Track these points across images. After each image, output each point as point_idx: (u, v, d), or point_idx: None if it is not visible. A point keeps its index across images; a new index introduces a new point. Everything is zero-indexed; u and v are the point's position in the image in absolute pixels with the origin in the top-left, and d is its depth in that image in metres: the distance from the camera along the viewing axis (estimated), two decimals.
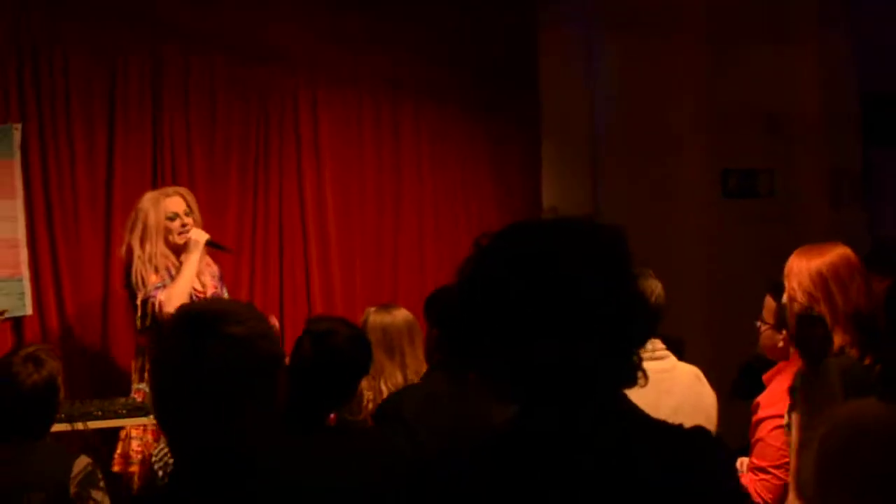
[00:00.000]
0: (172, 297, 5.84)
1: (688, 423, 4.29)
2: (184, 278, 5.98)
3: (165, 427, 2.43)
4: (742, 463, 4.59)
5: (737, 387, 7.34)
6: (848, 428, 2.62)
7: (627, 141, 8.58)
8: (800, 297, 3.81)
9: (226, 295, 6.37)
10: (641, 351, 4.51)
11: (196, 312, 2.44)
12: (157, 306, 5.87)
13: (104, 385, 6.57)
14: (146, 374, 5.91)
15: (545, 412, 2.00)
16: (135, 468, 5.85)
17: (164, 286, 5.94)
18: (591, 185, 8.67)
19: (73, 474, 3.95)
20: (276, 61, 7.52)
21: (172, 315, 2.45)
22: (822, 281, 3.78)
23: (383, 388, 4.99)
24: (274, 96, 7.51)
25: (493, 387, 2.06)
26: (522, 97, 8.47)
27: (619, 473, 1.95)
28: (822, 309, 3.76)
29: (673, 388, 4.41)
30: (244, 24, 7.40)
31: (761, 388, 4.65)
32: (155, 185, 7.01)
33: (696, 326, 6.87)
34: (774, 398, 4.30)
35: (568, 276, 1.97)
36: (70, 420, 5.29)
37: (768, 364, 4.84)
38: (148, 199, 6.14)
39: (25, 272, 6.64)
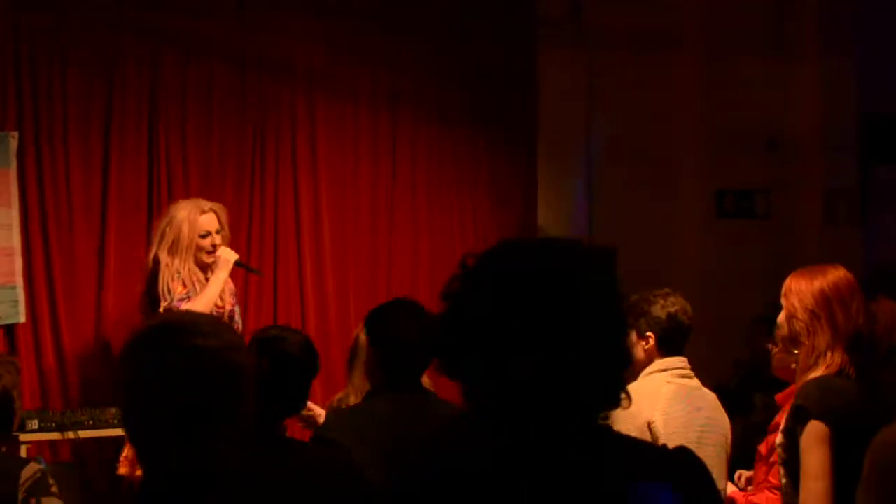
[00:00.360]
0: (197, 310, 5.76)
1: (714, 441, 4.38)
2: (209, 294, 6.01)
3: (133, 440, 2.39)
4: (741, 476, 4.62)
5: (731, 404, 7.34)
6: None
7: (624, 159, 8.60)
8: (801, 314, 3.79)
9: (238, 313, 6.39)
10: (674, 369, 4.57)
11: (161, 325, 2.39)
12: None
13: (97, 393, 6.55)
14: None
15: (518, 429, 1.99)
16: (140, 472, 5.83)
17: (189, 298, 5.95)
18: (587, 202, 8.67)
19: (20, 482, 3.91)
20: (274, 73, 7.52)
21: (138, 327, 2.41)
22: (824, 300, 3.77)
23: None
24: (271, 107, 7.51)
25: (475, 404, 2.04)
26: (520, 113, 8.48)
27: (592, 492, 1.95)
28: (824, 328, 3.75)
29: (703, 405, 4.55)
30: (243, 35, 7.41)
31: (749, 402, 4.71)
32: (150, 195, 7.03)
33: (689, 346, 6.83)
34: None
35: (549, 295, 1.97)
36: (61, 429, 5.27)
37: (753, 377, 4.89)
38: (183, 210, 6.13)
39: (19, 280, 6.63)
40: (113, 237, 6.90)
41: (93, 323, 6.90)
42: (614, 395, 2.04)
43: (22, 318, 6.65)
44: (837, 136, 8.84)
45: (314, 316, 7.53)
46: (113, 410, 5.80)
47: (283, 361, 3.76)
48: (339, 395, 5.36)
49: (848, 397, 3.66)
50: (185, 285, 6.00)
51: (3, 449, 4.17)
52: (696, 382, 4.64)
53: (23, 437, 5.64)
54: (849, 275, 3.84)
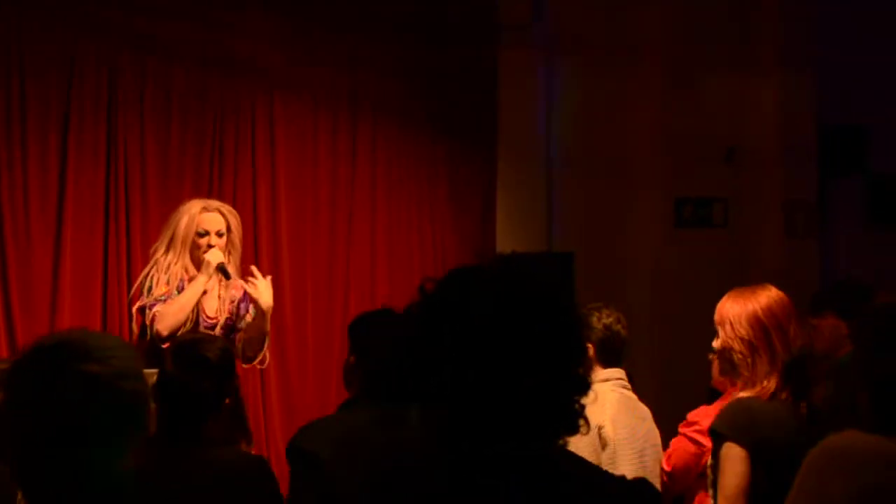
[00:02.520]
0: (167, 315, 5.70)
1: (653, 454, 4.41)
2: (184, 299, 5.75)
3: (14, 469, 2.24)
4: None
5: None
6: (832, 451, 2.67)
7: (583, 166, 8.61)
8: (738, 346, 3.79)
9: (250, 316, 6.06)
10: (615, 379, 4.62)
11: (52, 346, 2.24)
12: (151, 318, 5.69)
13: None
14: None
15: (472, 454, 2.00)
16: None
17: (166, 300, 5.75)
18: (546, 208, 8.67)
19: (18, 499, 3.85)
20: (233, 74, 7.49)
21: (28, 346, 2.27)
22: (761, 328, 3.76)
23: None
24: (230, 109, 7.47)
25: (430, 426, 2.05)
26: (480, 117, 8.48)
27: None
28: (762, 357, 3.74)
29: (644, 416, 4.66)
30: (202, 34, 7.37)
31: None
32: (108, 197, 6.99)
33: (643, 355, 6.87)
34: (703, 413, 4.33)
35: (504, 324, 1.98)
36: None
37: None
38: (189, 206, 5.95)
39: None
40: (69, 240, 6.85)
41: (47, 327, 6.81)
42: (572, 420, 2.04)
43: None
44: (796, 147, 8.88)
45: (272, 322, 7.48)
46: None
47: (200, 367, 3.83)
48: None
49: (765, 419, 3.68)
50: (168, 284, 5.79)
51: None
52: (633, 395, 4.72)
53: None
54: (781, 295, 3.83)
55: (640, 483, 2.11)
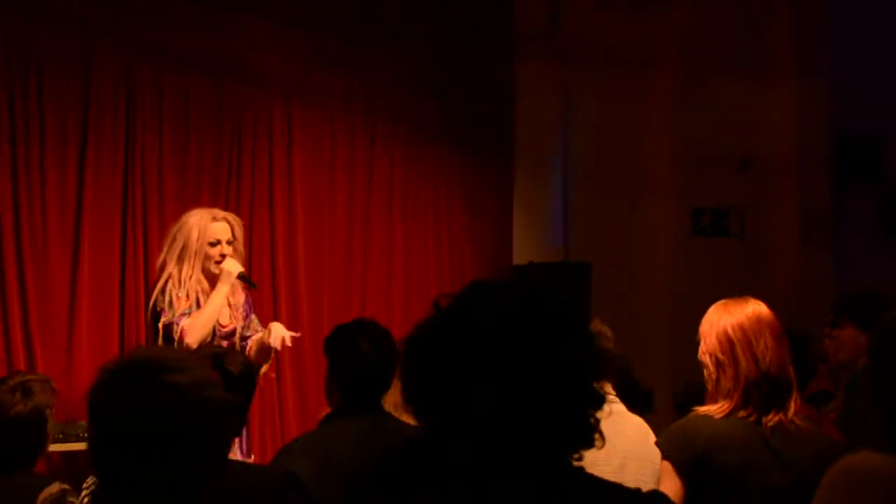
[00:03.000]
0: (195, 328, 5.80)
1: (637, 468, 4.36)
2: (210, 310, 5.87)
3: (101, 478, 2.35)
4: None
5: (682, 401, 7.36)
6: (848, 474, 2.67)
7: (600, 175, 8.62)
8: (707, 360, 3.80)
9: (255, 324, 6.23)
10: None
11: (136, 361, 2.38)
12: (179, 333, 5.78)
13: (69, 406, 6.48)
14: None
15: (485, 470, 2.00)
16: None
17: (190, 314, 5.84)
18: (562, 217, 8.68)
19: (39, 500, 3.89)
20: (251, 83, 7.50)
21: (109, 364, 2.39)
22: (728, 343, 3.75)
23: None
24: (247, 119, 7.48)
25: (441, 443, 2.05)
26: (497, 127, 8.51)
27: None
28: (727, 373, 3.74)
29: (626, 430, 4.44)
30: (220, 45, 7.38)
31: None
32: (125, 205, 6.97)
33: (659, 364, 6.88)
34: None
35: (518, 341, 1.99)
36: None
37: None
38: (195, 216, 6.04)
39: None
40: (87, 248, 6.84)
41: (65, 334, 6.83)
42: (586, 434, 2.05)
43: None
44: (812, 156, 8.88)
45: (287, 326, 7.51)
46: (83, 423, 5.73)
47: (223, 380, 3.79)
48: None
49: (706, 436, 3.68)
50: (188, 297, 5.88)
51: (35, 469, 4.15)
52: (620, 407, 4.54)
53: None
54: (757, 311, 3.80)
55: (656, 496, 2.12)
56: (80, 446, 5.77)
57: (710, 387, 3.80)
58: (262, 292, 7.46)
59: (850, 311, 5.43)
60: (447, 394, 1.99)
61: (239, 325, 6.13)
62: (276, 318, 7.48)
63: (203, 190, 7.30)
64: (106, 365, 2.39)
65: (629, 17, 8.70)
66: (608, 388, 4.54)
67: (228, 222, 6.08)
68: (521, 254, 8.45)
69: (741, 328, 3.75)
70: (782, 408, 3.73)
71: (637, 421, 4.55)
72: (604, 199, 8.61)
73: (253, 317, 6.33)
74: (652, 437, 4.53)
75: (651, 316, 7.90)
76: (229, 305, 6.09)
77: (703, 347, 3.83)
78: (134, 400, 2.27)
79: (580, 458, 2.07)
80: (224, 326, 6.03)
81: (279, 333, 6.04)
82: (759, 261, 8.65)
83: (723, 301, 3.89)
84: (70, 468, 6.05)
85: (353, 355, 4.05)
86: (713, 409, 3.74)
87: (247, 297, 6.27)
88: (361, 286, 7.90)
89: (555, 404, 1.98)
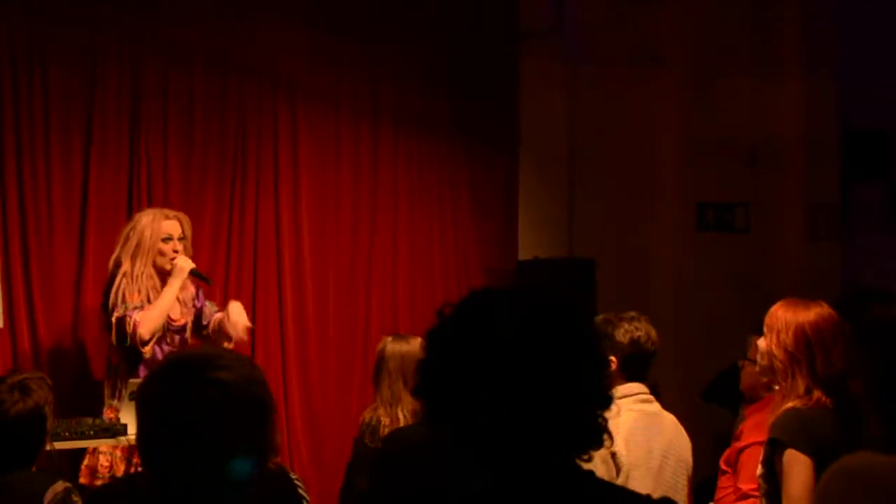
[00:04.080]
0: (148, 320, 5.93)
1: (674, 464, 4.35)
2: (163, 303, 6.02)
3: (151, 472, 2.42)
4: None
5: (709, 392, 7.36)
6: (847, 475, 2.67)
7: (605, 170, 8.62)
8: (780, 355, 3.80)
9: (208, 310, 6.37)
10: (633, 395, 4.52)
11: (183, 358, 2.46)
12: (132, 326, 5.89)
13: (74, 401, 6.49)
14: (118, 391, 5.95)
15: (481, 472, 2.02)
16: (100, 482, 5.80)
17: (142, 307, 5.96)
18: (568, 214, 8.68)
19: (46, 500, 3.90)
20: (255, 80, 7.50)
21: (160, 361, 2.48)
22: (806, 343, 3.76)
23: (400, 415, 5.07)
24: (252, 115, 7.48)
25: (454, 446, 2.07)
26: (502, 124, 8.52)
27: None
28: (803, 372, 3.74)
29: (663, 430, 4.48)
30: (226, 40, 7.38)
31: (732, 396, 4.68)
32: (130, 200, 6.98)
33: (666, 359, 6.85)
34: (759, 428, 4.30)
35: (526, 345, 2.00)
36: None
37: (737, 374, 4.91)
38: (148, 216, 6.18)
39: None
40: (92, 243, 6.84)
41: (70, 329, 6.85)
42: (595, 435, 2.05)
43: (0, 323, 6.58)
44: (819, 151, 8.87)
45: (292, 320, 7.54)
46: (89, 421, 5.74)
47: None
48: (369, 410, 5.35)
49: (822, 426, 3.68)
50: (139, 293, 6.00)
51: (34, 468, 4.15)
52: (656, 407, 4.58)
53: None
54: (833, 314, 3.82)
55: (665, 503, 2.11)
56: (87, 444, 5.77)
57: (782, 382, 3.80)
58: (268, 294, 7.48)
59: (845, 308, 5.45)
60: (460, 400, 2.00)
61: (189, 319, 6.27)
62: (281, 309, 7.50)
63: (208, 185, 7.30)
64: (156, 363, 2.48)
65: (636, 12, 8.69)
66: (642, 388, 4.54)
67: (179, 220, 6.23)
68: (526, 249, 8.45)
69: (819, 329, 3.76)
70: (852, 409, 3.76)
71: (671, 419, 4.58)
72: (609, 194, 8.61)
73: (207, 303, 6.43)
74: (685, 434, 4.56)
75: (657, 311, 7.88)
76: (179, 301, 6.24)
77: (774, 340, 3.82)
78: (178, 394, 2.33)
79: (589, 459, 2.07)
80: (175, 321, 6.18)
81: (239, 321, 6.19)
82: (765, 256, 8.64)
83: (791, 299, 3.89)
84: (73, 465, 6.04)
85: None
86: (811, 402, 3.75)
87: (197, 291, 6.40)
88: (366, 282, 7.90)
89: (565, 407, 1.99)
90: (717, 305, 8.19)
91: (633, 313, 4.60)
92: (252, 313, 7.39)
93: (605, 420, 2.06)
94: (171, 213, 6.28)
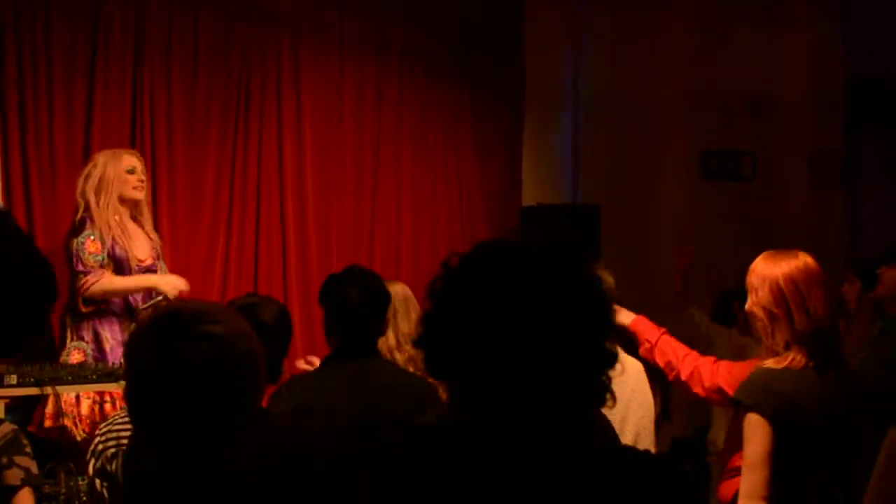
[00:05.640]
0: (99, 292, 5.86)
1: (638, 409, 4.34)
2: (125, 285, 5.94)
3: (139, 424, 2.43)
4: None
5: (714, 315, 7.37)
6: None
7: (610, 118, 8.60)
8: (759, 313, 3.79)
9: (162, 269, 6.23)
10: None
11: (172, 312, 2.43)
12: (84, 285, 5.83)
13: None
14: (77, 332, 5.91)
15: (498, 430, 2.02)
16: (68, 421, 5.73)
17: (102, 264, 5.88)
18: (572, 160, 8.67)
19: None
20: (259, 23, 7.46)
21: (148, 317, 2.47)
22: (780, 296, 3.74)
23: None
24: (256, 58, 7.45)
25: (458, 403, 2.07)
26: (507, 69, 8.49)
27: (557, 495, 1.97)
28: (781, 326, 3.73)
29: (627, 378, 4.41)
30: None
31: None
32: (133, 143, 6.94)
33: (669, 307, 6.85)
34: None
35: (530, 301, 1.99)
36: (39, 384, 5.10)
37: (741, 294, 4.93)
38: (104, 154, 6.11)
39: None
40: None
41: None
42: (598, 393, 2.05)
43: None
44: (824, 99, 8.85)
45: (295, 264, 7.53)
46: (93, 365, 5.70)
47: (257, 330, 3.80)
48: None
49: (788, 388, 3.67)
50: (103, 240, 5.89)
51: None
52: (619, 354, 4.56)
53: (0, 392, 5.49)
54: (807, 262, 3.78)
55: (666, 458, 2.11)
56: (91, 388, 5.72)
57: (765, 340, 3.78)
58: (270, 238, 7.46)
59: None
60: (460, 356, 2.01)
61: (154, 259, 6.15)
62: (284, 252, 7.49)
63: (211, 128, 7.27)
64: (143, 318, 2.51)
65: None
66: None
67: (135, 156, 6.19)
68: (530, 195, 8.44)
69: (793, 280, 3.73)
70: (837, 357, 3.77)
71: (633, 363, 4.52)
72: (614, 141, 8.59)
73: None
74: (646, 380, 4.55)
75: (659, 258, 7.88)
76: (150, 238, 6.18)
77: (753, 299, 3.81)
78: (171, 348, 2.33)
79: (590, 417, 2.09)
80: (142, 261, 6.06)
81: (176, 283, 6.04)
82: (769, 204, 8.64)
83: (770, 252, 3.87)
84: (74, 411, 6.01)
85: (342, 304, 4.19)
86: (784, 362, 3.73)
87: (161, 246, 6.32)
88: (370, 228, 7.90)
89: (570, 365, 1.99)
90: (720, 253, 8.18)
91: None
92: (255, 254, 7.40)
93: (609, 379, 2.06)
94: (127, 150, 6.26)
